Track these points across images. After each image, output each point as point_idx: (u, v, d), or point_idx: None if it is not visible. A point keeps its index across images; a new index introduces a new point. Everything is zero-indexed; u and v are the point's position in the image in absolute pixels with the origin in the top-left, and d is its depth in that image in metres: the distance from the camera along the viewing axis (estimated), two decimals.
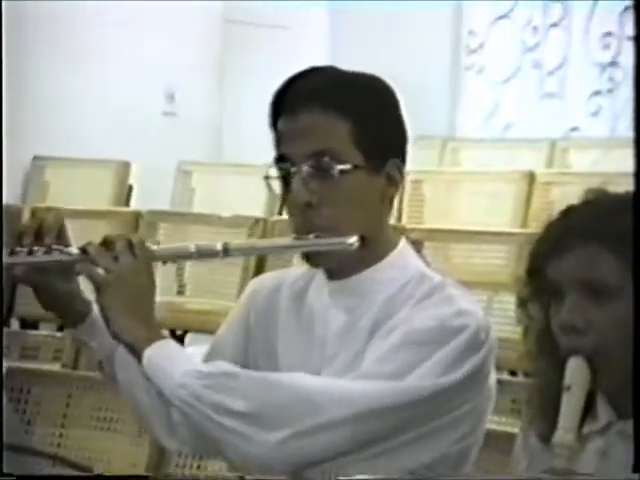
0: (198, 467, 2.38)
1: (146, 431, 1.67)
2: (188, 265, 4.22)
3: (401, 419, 1.51)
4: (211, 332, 1.83)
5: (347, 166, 1.56)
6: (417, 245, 3.60)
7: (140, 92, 5.71)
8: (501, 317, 3.32)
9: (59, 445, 2.57)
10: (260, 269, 3.88)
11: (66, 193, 5.27)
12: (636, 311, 1.22)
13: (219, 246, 1.58)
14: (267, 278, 1.74)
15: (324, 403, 1.49)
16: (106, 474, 1.61)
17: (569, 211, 1.48)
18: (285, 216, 1.68)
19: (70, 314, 1.64)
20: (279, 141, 1.60)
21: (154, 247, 1.60)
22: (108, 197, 5.30)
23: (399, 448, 1.52)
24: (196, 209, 5.14)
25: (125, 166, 5.38)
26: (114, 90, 5.65)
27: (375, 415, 1.50)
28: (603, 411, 1.46)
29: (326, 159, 1.56)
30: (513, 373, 3.44)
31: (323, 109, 1.56)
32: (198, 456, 2.35)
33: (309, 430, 1.49)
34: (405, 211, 4.74)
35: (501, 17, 6.23)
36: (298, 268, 1.70)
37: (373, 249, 1.59)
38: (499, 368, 3.37)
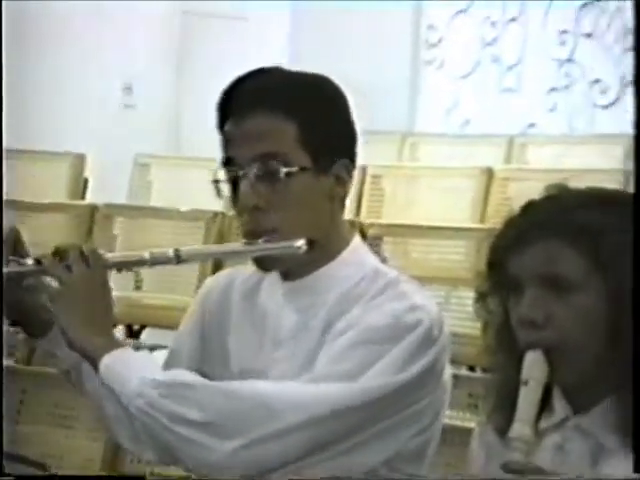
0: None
1: (115, 440, 1.66)
2: None
3: (358, 419, 1.51)
4: (169, 327, 1.82)
5: (294, 168, 1.55)
6: (376, 240, 3.60)
7: (97, 84, 5.66)
8: (459, 312, 3.34)
9: (13, 441, 2.55)
10: (218, 264, 3.86)
11: (21, 186, 5.21)
12: (636, 311, 1.21)
13: (171, 253, 1.59)
14: (220, 276, 1.73)
15: (279, 409, 1.49)
16: (106, 474, 1.59)
17: (530, 206, 1.48)
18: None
19: (35, 325, 1.63)
20: (226, 144, 1.60)
21: (107, 255, 1.60)
22: (64, 190, 5.25)
23: (357, 447, 1.51)
24: (154, 203, 5.10)
25: (80, 159, 5.33)
26: (71, 82, 5.60)
27: (332, 418, 1.50)
28: (559, 406, 1.46)
29: (273, 162, 1.56)
30: (471, 368, 3.45)
31: (270, 112, 1.56)
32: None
33: (265, 437, 1.49)
34: (364, 206, 4.74)
35: (460, 12, 6.25)
36: (251, 266, 1.69)
37: (325, 249, 1.59)
38: (457, 363, 3.40)
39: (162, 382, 1.52)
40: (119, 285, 3.84)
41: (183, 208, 4.27)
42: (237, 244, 1.61)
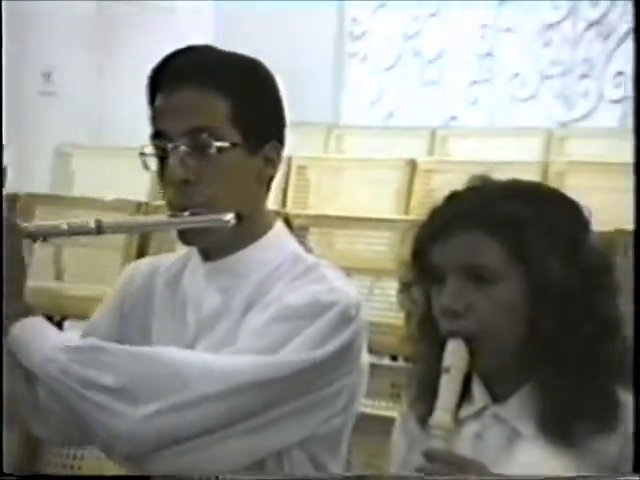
0: (71, 467, 2.33)
1: (17, 420, 1.62)
2: (66, 250, 4.13)
3: (273, 394, 1.50)
4: (90, 318, 1.79)
5: (225, 144, 1.56)
6: (301, 230, 3.61)
7: (15, 70, 5.56)
8: (383, 303, 3.36)
9: None
10: (142, 254, 3.83)
11: None
12: (636, 310, 1.22)
13: (92, 223, 1.55)
14: (143, 263, 1.72)
15: (195, 377, 1.48)
16: (107, 475, 1.57)
17: (454, 197, 1.51)
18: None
19: None
20: (156, 117, 1.59)
21: (25, 224, 1.56)
22: None
23: (272, 424, 1.51)
24: (76, 192, 5.04)
25: None
26: None
27: (247, 389, 1.49)
28: (479, 395, 1.49)
29: (204, 136, 1.55)
30: (394, 358, 3.48)
31: (202, 86, 1.56)
32: (71, 456, 2.31)
33: (179, 405, 1.47)
34: (290, 197, 4.75)
35: (382, 6, 6.29)
36: (175, 253, 1.70)
37: (249, 229, 1.60)
38: (380, 353, 3.41)
39: (74, 347, 1.50)
40: (39, 275, 3.79)
41: (106, 198, 4.23)
42: (162, 216, 1.61)
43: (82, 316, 3.87)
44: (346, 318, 1.54)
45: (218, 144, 1.55)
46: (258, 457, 1.54)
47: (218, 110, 1.56)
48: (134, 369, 1.49)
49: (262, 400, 1.50)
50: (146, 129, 1.63)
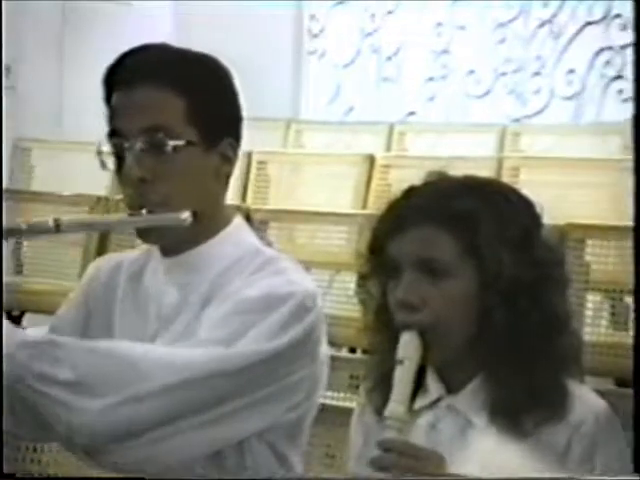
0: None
1: None
2: (26, 244, 4.12)
3: (231, 385, 1.51)
4: (50, 313, 1.80)
5: (181, 142, 1.56)
6: (262, 225, 3.63)
7: None
8: (342, 296, 3.40)
9: None
10: (102, 249, 3.83)
11: None
12: (637, 309, 1.25)
13: (51, 222, 1.55)
14: (107, 260, 1.73)
15: (151, 369, 1.49)
16: (108, 475, 1.57)
17: (410, 191, 1.54)
18: None
19: None
20: (112, 115, 1.59)
21: None
22: None
23: (230, 415, 1.52)
24: (36, 187, 5.01)
25: None
26: None
27: (204, 381, 1.50)
28: (433, 386, 1.52)
29: (159, 135, 1.56)
30: (352, 350, 3.52)
31: (157, 84, 1.56)
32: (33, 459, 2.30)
33: (136, 397, 1.48)
34: (250, 192, 4.76)
35: (340, 2, 6.31)
36: (138, 249, 1.70)
37: (207, 225, 1.60)
38: (338, 345, 3.44)
39: (31, 342, 1.49)
40: None
41: (65, 192, 4.22)
42: (120, 215, 1.61)
43: (41, 310, 3.88)
44: (303, 310, 1.55)
45: (174, 143, 1.55)
46: (217, 447, 1.54)
47: (174, 108, 1.56)
48: (91, 363, 1.49)
49: (220, 391, 1.50)
50: (106, 124, 1.65)
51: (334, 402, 2.34)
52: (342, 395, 2.54)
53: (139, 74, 1.57)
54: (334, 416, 2.08)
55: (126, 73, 1.58)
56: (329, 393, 2.36)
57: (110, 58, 1.62)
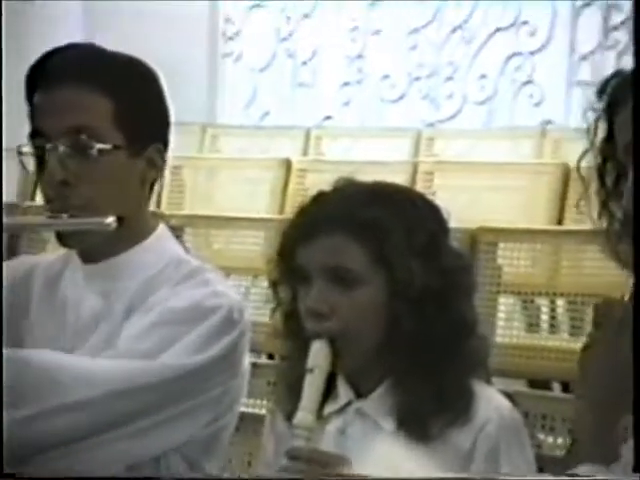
0: None
1: None
2: None
3: (154, 398, 1.49)
4: None
5: (107, 146, 1.54)
6: (177, 231, 3.60)
7: None
8: (260, 302, 3.38)
9: None
10: (12, 253, 3.75)
11: None
12: (636, 307, 1.27)
13: None
14: (18, 263, 1.69)
15: (70, 382, 1.46)
16: (109, 475, 1.53)
17: (319, 197, 1.54)
18: (39, 201, 1.64)
19: None
20: (34, 115, 1.56)
21: None
22: None
23: (150, 429, 1.50)
24: None
25: None
26: None
27: (126, 395, 1.48)
28: (343, 392, 1.53)
29: (84, 137, 1.53)
30: (271, 356, 3.52)
31: (83, 84, 1.53)
32: None
33: (52, 410, 1.45)
34: (165, 197, 4.72)
35: (256, 5, 6.31)
36: (53, 253, 1.67)
37: (130, 232, 1.58)
38: (257, 351, 3.44)
39: None
40: None
41: None
42: (41, 217, 1.57)
43: None
44: (229, 322, 1.54)
45: (99, 146, 1.53)
46: (135, 460, 1.52)
47: (100, 110, 1.53)
48: (10, 372, 1.45)
49: (141, 405, 1.49)
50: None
51: (252, 410, 2.33)
52: (260, 402, 2.53)
53: (65, 73, 1.53)
54: (253, 424, 2.08)
55: (50, 71, 1.54)
56: (248, 400, 2.35)
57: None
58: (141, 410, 1.49)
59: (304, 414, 1.43)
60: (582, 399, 1.40)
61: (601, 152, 1.36)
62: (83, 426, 1.47)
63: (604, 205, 1.35)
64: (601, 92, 1.34)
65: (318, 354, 1.46)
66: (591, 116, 1.35)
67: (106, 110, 1.54)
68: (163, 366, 1.50)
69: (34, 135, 1.55)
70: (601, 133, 1.35)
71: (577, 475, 1.32)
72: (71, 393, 1.46)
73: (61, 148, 1.52)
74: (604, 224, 1.35)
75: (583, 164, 1.39)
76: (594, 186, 1.38)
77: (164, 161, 1.61)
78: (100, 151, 1.53)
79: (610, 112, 1.34)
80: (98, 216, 1.53)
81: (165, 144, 1.61)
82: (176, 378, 1.50)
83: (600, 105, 1.34)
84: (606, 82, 1.34)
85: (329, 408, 1.51)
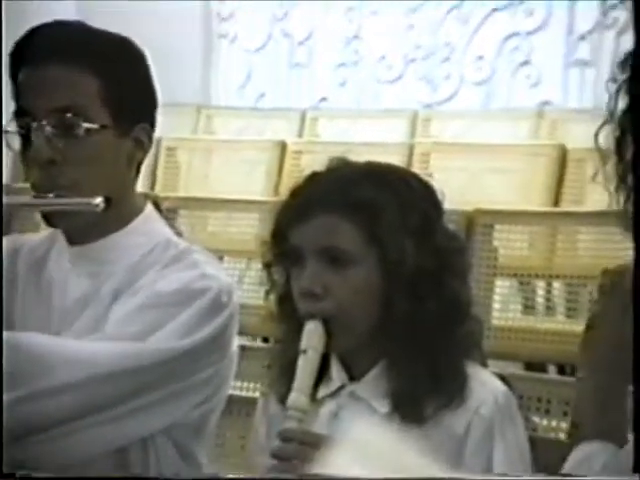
0: None
1: None
2: None
3: (141, 382, 1.48)
4: None
5: (94, 125, 1.52)
6: (171, 213, 3.57)
7: None
8: (256, 284, 3.37)
9: None
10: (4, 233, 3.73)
11: None
12: (636, 304, 1.25)
13: None
14: (4, 242, 1.66)
15: (59, 365, 1.45)
16: (110, 475, 1.52)
17: (313, 178, 1.53)
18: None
19: None
20: (19, 94, 1.54)
21: None
22: None
23: (140, 411, 1.49)
24: None
25: None
26: None
27: (114, 378, 1.47)
28: (337, 375, 1.52)
29: (70, 116, 1.51)
30: (265, 340, 3.50)
31: (70, 62, 1.51)
32: None
33: (39, 393, 1.44)
34: (159, 179, 4.70)
35: None
36: (37, 234, 1.65)
37: (118, 213, 1.56)
38: (253, 335, 3.43)
39: None
40: None
41: None
42: (27, 197, 1.55)
43: None
44: (218, 305, 1.52)
45: (86, 125, 1.51)
46: (123, 443, 1.51)
47: (87, 88, 1.51)
48: None
49: (129, 388, 1.47)
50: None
51: (247, 393, 2.32)
52: (255, 386, 2.52)
53: (50, 50, 1.51)
54: (248, 407, 2.07)
55: (37, 49, 1.52)
56: (242, 384, 2.34)
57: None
58: (129, 393, 1.48)
59: (297, 395, 1.42)
60: (585, 380, 1.38)
61: (620, 124, 1.32)
62: (72, 408, 1.46)
63: (622, 179, 1.32)
64: (624, 63, 1.31)
65: (312, 335, 1.45)
66: (611, 87, 1.31)
67: (93, 89, 1.52)
68: (150, 350, 1.48)
69: (19, 114, 1.53)
70: (621, 105, 1.32)
71: (577, 475, 1.31)
72: (59, 375, 1.45)
73: (47, 127, 1.50)
74: (621, 199, 1.31)
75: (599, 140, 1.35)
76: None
77: (151, 141, 1.59)
78: (87, 130, 1.51)
79: (632, 84, 1.31)
80: (85, 196, 1.52)
81: (152, 124, 1.59)
82: (164, 361, 1.49)
83: (622, 76, 1.31)
84: (630, 53, 1.31)
85: (322, 392, 1.51)
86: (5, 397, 1.43)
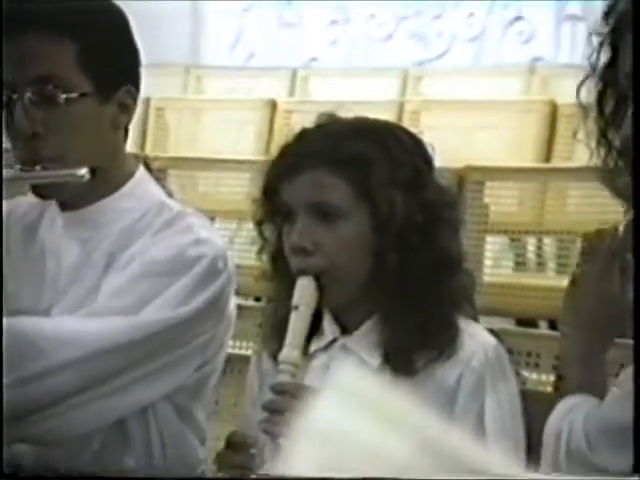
0: None
1: None
2: None
3: (139, 354, 1.48)
4: None
5: (74, 94, 1.50)
6: (161, 173, 3.56)
7: None
8: (247, 244, 3.37)
9: None
10: None
11: None
12: (636, 298, 1.26)
13: None
14: None
15: (52, 346, 1.45)
16: (112, 476, 1.52)
17: (302, 134, 1.52)
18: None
19: None
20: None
21: None
22: None
23: (140, 380, 1.49)
24: None
25: None
26: None
27: (110, 353, 1.47)
28: (329, 329, 1.53)
29: (50, 86, 1.49)
30: (258, 299, 3.51)
31: (46, 31, 1.49)
32: None
33: (34, 375, 1.44)
34: (149, 139, 4.67)
35: None
36: (27, 198, 1.63)
37: (108, 179, 1.56)
38: (245, 294, 3.44)
39: None
40: None
41: None
42: (12, 171, 1.53)
43: None
44: (214, 272, 1.51)
45: (66, 95, 1.49)
46: (124, 414, 1.51)
47: (65, 57, 1.49)
48: None
49: (127, 360, 1.47)
50: None
51: (241, 351, 2.33)
52: (247, 344, 2.53)
53: (25, 20, 1.49)
54: (240, 365, 2.08)
55: (10, 20, 1.50)
56: (236, 342, 2.35)
57: None
58: (126, 365, 1.47)
59: (289, 349, 1.43)
60: (569, 334, 1.40)
61: (602, 78, 1.31)
62: (69, 386, 1.46)
63: (602, 134, 1.32)
64: (607, 15, 1.30)
65: (303, 291, 1.46)
66: (595, 40, 1.30)
67: (72, 55, 1.50)
68: (145, 322, 1.47)
69: (1, 87, 1.51)
70: (603, 58, 1.31)
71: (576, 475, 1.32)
72: (53, 356, 1.44)
73: (27, 99, 1.49)
74: (602, 153, 1.31)
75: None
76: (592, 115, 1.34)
77: (135, 102, 1.57)
78: (67, 100, 1.49)
79: (614, 37, 1.29)
80: (71, 166, 1.50)
81: (137, 85, 1.56)
82: (160, 332, 1.48)
83: (604, 29, 1.30)
84: (612, 5, 1.30)
85: (314, 346, 1.51)
86: (6, 381, 1.42)
